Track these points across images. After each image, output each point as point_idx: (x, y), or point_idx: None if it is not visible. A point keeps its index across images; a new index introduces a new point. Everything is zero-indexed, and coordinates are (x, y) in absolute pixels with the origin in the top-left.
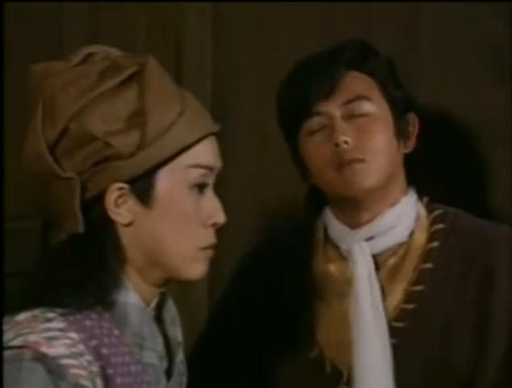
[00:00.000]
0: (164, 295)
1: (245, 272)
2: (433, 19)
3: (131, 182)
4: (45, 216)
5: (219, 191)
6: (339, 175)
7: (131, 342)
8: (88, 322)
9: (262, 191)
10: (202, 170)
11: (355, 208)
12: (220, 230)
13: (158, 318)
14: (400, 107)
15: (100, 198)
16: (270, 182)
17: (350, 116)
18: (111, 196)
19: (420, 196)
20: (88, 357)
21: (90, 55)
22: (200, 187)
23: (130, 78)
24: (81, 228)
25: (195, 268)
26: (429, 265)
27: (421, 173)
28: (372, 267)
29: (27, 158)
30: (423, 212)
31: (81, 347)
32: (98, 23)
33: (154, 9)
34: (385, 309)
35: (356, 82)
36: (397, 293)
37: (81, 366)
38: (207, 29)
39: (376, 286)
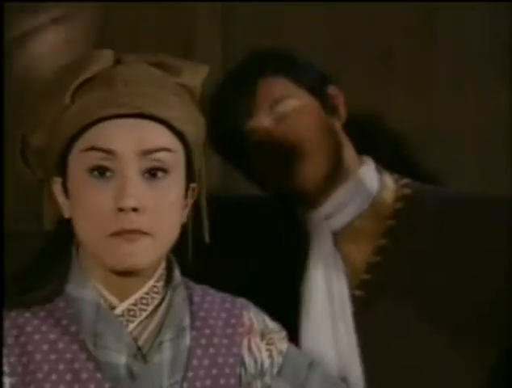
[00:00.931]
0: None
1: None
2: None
3: (59, 174)
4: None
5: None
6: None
7: (87, 339)
8: (21, 320)
9: None
10: (98, 153)
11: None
12: None
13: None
14: (318, 89)
15: None
16: None
17: (279, 120)
18: (55, 191)
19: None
20: None
21: None
22: (101, 172)
23: None
24: (46, 226)
25: (114, 256)
26: (393, 222)
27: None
28: (330, 247)
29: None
30: (388, 177)
31: None
32: (108, 22)
33: (164, 8)
34: (351, 264)
35: (269, 88)
36: (364, 248)
37: None
38: (217, 28)
39: (337, 256)
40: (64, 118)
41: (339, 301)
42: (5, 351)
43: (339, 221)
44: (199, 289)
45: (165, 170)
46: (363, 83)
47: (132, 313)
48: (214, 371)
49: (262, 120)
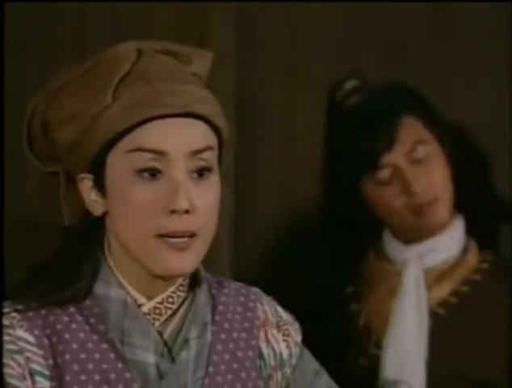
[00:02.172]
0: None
1: None
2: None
3: (91, 171)
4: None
5: (247, 189)
6: (418, 217)
7: (115, 337)
8: (52, 318)
9: (290, 188)
10: (147, 155)
11: (416, 232)
12: (248, 228)
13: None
14: (444, 139)
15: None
16: (298, 179)
17: (413, 163)
18: (81, 187)
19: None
20: (29, 354)
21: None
22: (151, 173)
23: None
24: (67, 222)
25: (160, 262)
26: (477, 277)
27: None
28: (422, 279)
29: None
30: (473, 242)
31: (22, 344)
32: (121, 21)
33: (177, 7)
34: (429, 300)
35: (411, 128)
36: (444, 289)
37: (12, 364)
38: (231, 28)
39: (423, 291)
40: (104, 117)
41: (422, 327)
42: (40, 352)
43: (428, 261)
44: (214, 281)
45: (209, 169)
46: (377, 78)
47: (157, 311)
48: (235, 365)
49: (400, 159)
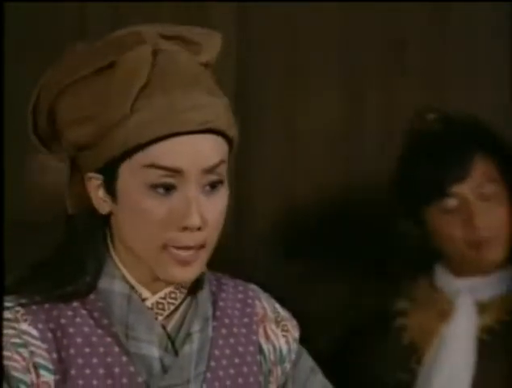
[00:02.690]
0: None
1: None
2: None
3: (102, 172)
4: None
5: (248, 183)
6: (475, 251)
7: (119, 331)
8: (55, 312)
9: (291, 183)
10: (161, 171)
11: (470, 265)
12: (251, 222)
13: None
14: (510, 182)
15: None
16: (299, 174)
17: (480, 198)
18: (89, 185)
19: None
20: (33, 348)
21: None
22: (166, 188)
23: (110, 66)
24: (70, 210)
25: (167, 272)
26: None
27: None
28: (472, 308)
29: None
30: None
31: (26, 337)
32: (121, 21)
33: (177, 7)
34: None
35: (483, 164)
36: (489, 317)
37: (16, 358)
38: (231, 28)
39: (473, 320)
40: (121, 128)
41: (469, 351)
42: (44, 346)
43: (479, 295)
44: (213, 278)
45: (222, 182)
46: (377, 75)
47: (160, 306)
48: (236, 360)
49: (468, 192)
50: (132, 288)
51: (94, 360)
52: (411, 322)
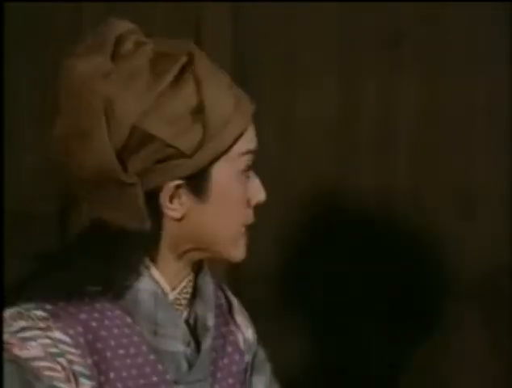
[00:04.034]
0: (202, 276)
1: None
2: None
3: (187, 177)
4: (66, 200)
5: None
6: None
7: (145, 329)
8: (83, 316)
9: (287, 174)
10: (250, 155)
11: None
12: None
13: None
14: None
15: (153, 193)
16: (295, 164)
17: None
18: (168, 193)
19: None
20: (70, 357)
21: (122, 41)
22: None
23: (182, 70)
24: (147, 226)
25: (239, 249)
26: None
27: None
28: None
29: (87, 162)
30: None
31: (63, 346)
32: (118, 15)
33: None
34: None
35: None
36: None
37: (57, 368)
38: (227, 26)
39: None
40: (233, 119)
41: None
42: (78, 352)
43: None
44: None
45: None
46: (373, 68)
47: (178, 302)
48: (229, 349)
49: None
50: (159, 285)
51: (128, 362)
52: None
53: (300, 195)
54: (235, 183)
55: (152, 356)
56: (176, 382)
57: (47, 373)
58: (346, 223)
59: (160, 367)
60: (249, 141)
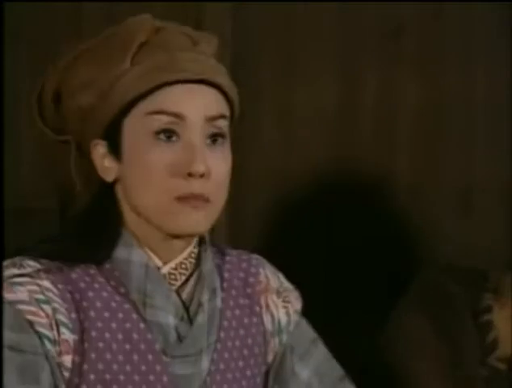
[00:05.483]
0: (203, 253)
1: None
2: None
3: (105, 137)
4: (63, 194)
5: (240, 163)
6: None
7: (136, 300)
8: (74, 275)
9: (282, 162)
10: (166, 117)
11: None
12: (239, 202)
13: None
14: None
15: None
16: (291, 153)
17: None
18: (94, 154)
19: None
20: (56, 305)
21: None
22: (168, 135)
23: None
24: (78, 187)
25: (177, 221)
26: None
27: None
28: None
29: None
30: None
31: (50, 294)
32: (116, 14)
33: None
34: None
35: None
36: None
37: (40, 313)
38: (227, 23)
39: None
40: (122, 81)
41: None
42: (64, 305)
43: None
44: (215, 250)
45: (223, 137)
46: (373, 61)
47: (173, 276)
48: (242, 332)
49: None
50: (149, 257)
51: (113, 325)
52: (498, 319)
53: (299, 190)
54: (144, 145)
55: (142, 325)
56: (165, 354)
57: (29, 317)
58: (345, 219)
59: (149, 336)
60: (161, 103)
